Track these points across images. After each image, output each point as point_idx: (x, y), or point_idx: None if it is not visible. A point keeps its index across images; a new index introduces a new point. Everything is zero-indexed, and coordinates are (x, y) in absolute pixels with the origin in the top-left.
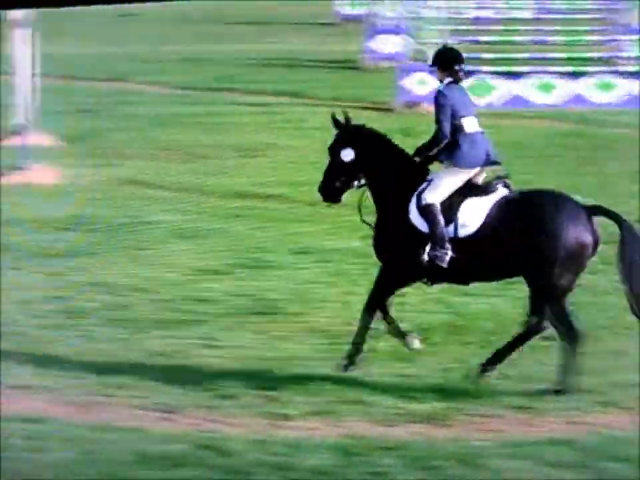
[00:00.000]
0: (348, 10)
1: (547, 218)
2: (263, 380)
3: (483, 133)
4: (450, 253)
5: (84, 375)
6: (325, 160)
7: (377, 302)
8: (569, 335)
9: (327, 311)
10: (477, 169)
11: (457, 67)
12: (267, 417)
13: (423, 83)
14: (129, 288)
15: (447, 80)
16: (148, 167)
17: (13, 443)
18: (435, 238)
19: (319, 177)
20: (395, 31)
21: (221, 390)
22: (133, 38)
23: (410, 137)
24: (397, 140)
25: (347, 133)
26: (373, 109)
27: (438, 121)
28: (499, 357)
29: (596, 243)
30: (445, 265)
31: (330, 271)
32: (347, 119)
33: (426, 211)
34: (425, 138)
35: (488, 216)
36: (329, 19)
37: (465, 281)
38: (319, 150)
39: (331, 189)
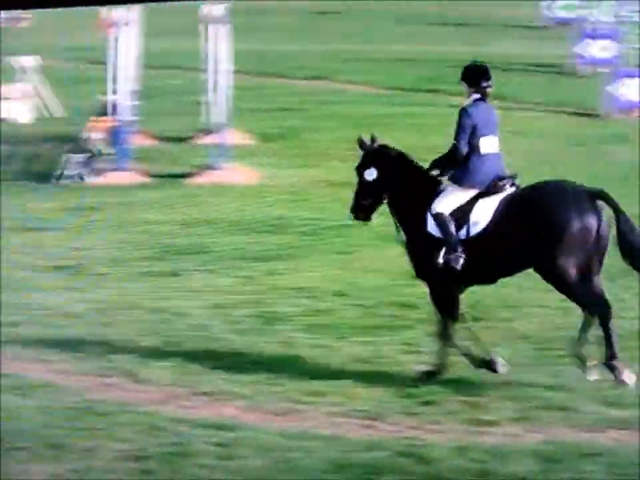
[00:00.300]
0: (561, 13)
1: (549, 207)
2: (466, 386)
3: (497, 154)
4: (462, 255)
5: (281, 381)
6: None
7: (442, 318)
8: (601, 312)
9: (534, 316)
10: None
11: (484, 84)
12: (469, 423)
13: (634, 88)
14: (331, 292)
15: (474, 96)
16: (346, 168)
17: (204, 449)
18: (447, 243)
19: (527, 179)
20: (606, 35)
21: (423, 396)
22: (333, 36)
23: (625, 144)
24: (611, 147)
25: (370, 153)
26: (579, 114)
27: (456, 139)
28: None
29: (601, 225)
30: (458, 267)
31: (537, 276)
32: (373, 140)
33: (437, 220)
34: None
35: (495, 212)
36: (541, 21)
37: (490, 279)
38: (518, 152)
39: (359, 208)
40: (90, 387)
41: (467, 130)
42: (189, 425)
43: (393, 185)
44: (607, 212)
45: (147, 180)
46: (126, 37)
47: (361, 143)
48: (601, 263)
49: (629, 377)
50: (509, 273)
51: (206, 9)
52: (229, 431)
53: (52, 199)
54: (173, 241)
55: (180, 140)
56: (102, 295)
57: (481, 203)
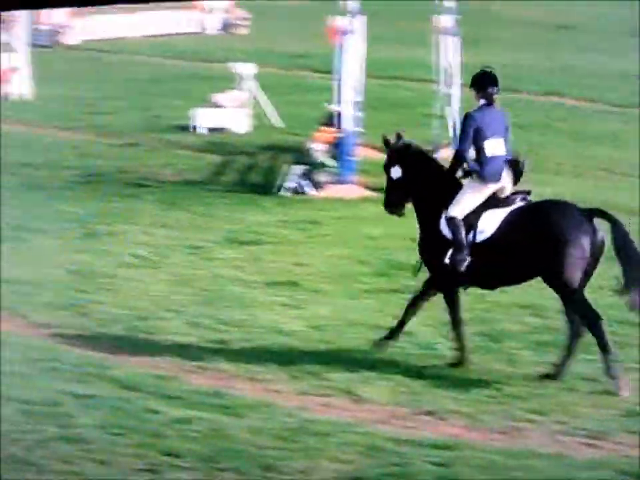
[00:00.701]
0: None
1: (552, 224)
2: None
3: (502, 156)
4: (468, 258)
5: (506, 400)
6: None
7: (419, 294)
8: (590, 320)
9: None
10: (498, 186)
11: (490, 90)
12: None
13: None
14: (557, 310)
15: (481, 102)
16: (580, 184)
17: (424, 469)
18: (455, 245)
19: None
20: None
21: None
22: (566, 50)
23: None
24: None
25: (395, 152)
26: None
27: (460, 144)
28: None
29: (597, 242)
30: (462, 269)
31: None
32: (399, 137)
33: (449, 223)
34: None
35: (502, 223)
36: None
37: (489, 284)
38: None
39: (391, 204)
40: (306, 407)
41: (469, 135)
42: (409, 445)
43: (415, 183)
44: (605, 228)
45: (369, 193)
46: (352, 45)
47: (386, 141)
48: (590, 275)
49: (628, 385)
50: (509, 281)
51: (437, 19)
52: (450, 450)
53: (269, 211)
54: (395, 256)
55: None
56: (320, 311)
57: (490, 212)
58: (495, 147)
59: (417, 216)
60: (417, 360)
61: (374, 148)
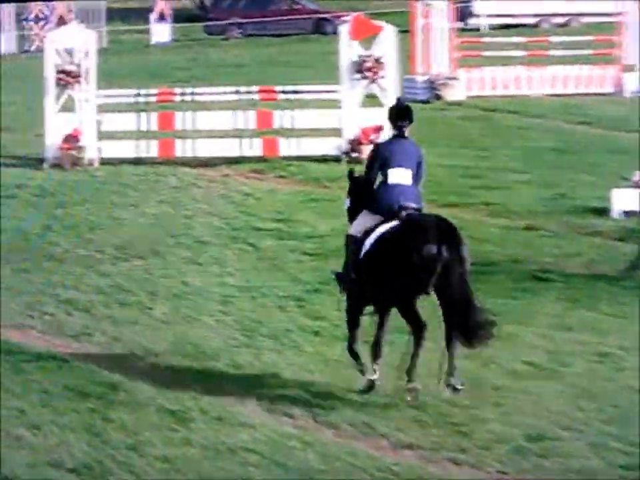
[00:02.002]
0: None
1: (397, 239)
2: None
3: (406, 185)
4: (352, 275)
5: None
6: None
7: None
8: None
9: None
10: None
11: (399, 123)
12: None
13: None
14: None
15: (393, 132)
16: None
17: None
18: (344, 263)
19: None
20: None
21: None
22: None
23: None
24: None
25: (349, 184)
26: None
27: (366, 172)
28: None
29: (441, 256)
30: (346, 287)
31: None
32: (351, 172)
33: (345, 240)
34: None
35: (375, 240)
36: None
37: (377, 304)
38: None
39: None
40: None
41: (375, 163)
42: None
43: (351, 211)
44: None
45: None
46: None
47: (349, 175)
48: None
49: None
50: (386, 300)
51: None
52: None
53: None
54: None
55: None
56: None
57: (378, 229)
58: (398, 176)
59: None
60: None
61: None
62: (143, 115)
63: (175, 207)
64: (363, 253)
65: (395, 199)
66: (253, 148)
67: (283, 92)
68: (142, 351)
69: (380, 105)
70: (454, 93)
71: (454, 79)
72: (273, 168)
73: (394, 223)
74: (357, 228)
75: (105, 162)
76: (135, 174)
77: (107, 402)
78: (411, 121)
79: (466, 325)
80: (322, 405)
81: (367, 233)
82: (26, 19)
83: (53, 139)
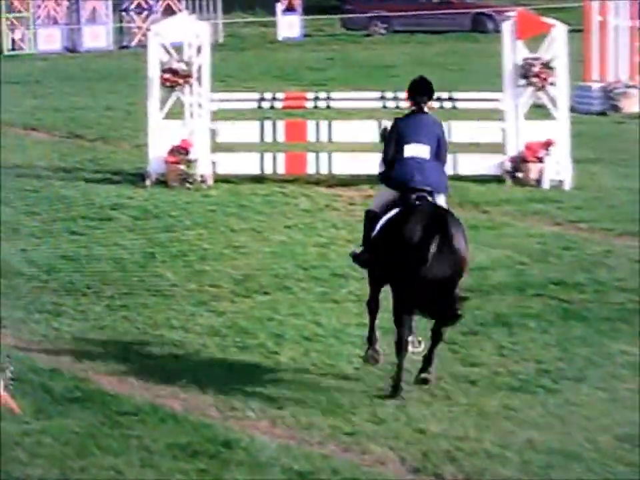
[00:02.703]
0: None
1: (393, 230)
2: None
3: (421, 160)
4: (367, 254)
5: None
6: None
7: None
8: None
9: None
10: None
11: (418, 98)
12: None
13: None
14: None
15: (412, 108)
16: None
17: None
18: (363, 239)
19: None
20: None
21: None
22: None
23: None
24: None
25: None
26: None
27: (384, 148)
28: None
29: (416, 243)
30: (361, 265)
31: None
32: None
33: (364, 216)
34: None
35: (380, 226)
36: None
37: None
38: None
39: None
40: None
41: (392, 141)
42: None
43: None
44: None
45: None
46: None
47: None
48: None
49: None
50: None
51: None
52: None
53: None
54: None
55: None
56: None
57: (387, 214)
58: (412, 150)
59: None
60: None
61: None
62: (268, 123)
63: (306, 234)
64: (372, 235)
65: (410, 173)
66: None
67: (438, 99)
68: (263, 402)
69: (549, 116)
70: (634, 104)
71: (635, 87)
72: None
73: (395, 210)
74: (375, 203)
75: (220, 179)
76: (257, 194)
77: (221, 461)
78: (430, 97)
79: (445, 311)
80: (475, 465)
81: (382, 212)
82: (126, 9)
83: (157, 150)
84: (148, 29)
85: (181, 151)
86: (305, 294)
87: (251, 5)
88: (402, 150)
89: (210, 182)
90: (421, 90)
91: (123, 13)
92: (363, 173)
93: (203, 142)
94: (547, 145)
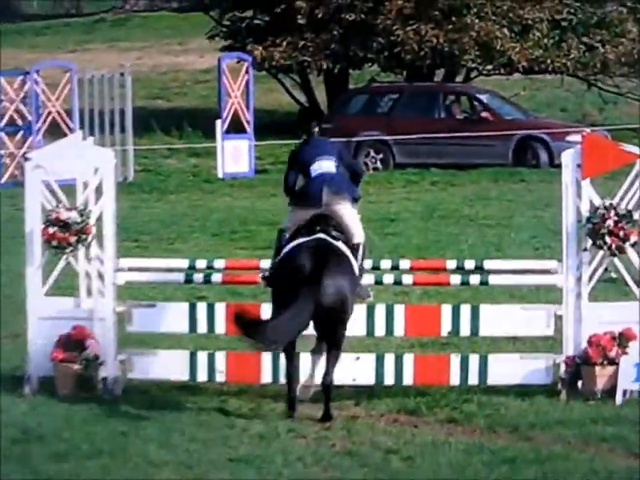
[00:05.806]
0: None
1: (284, 264)
2: None
3: (329, 172)
4: (268, 272)
5: None
6: None
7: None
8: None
9: None
10: (318, 210)
11: (308, 127)
12: None
13: None
14: None
15: (303, 138)
16: None
17: None
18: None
19: None
20: None
21: None
22: None
23: None
24: None
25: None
26: None
27: (284, 176)
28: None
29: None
30: (268, 283)
31: None
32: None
33: (277, 234)
34: None
35: (282, 255)
36: None
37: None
38: None
39: None
40: None
41: (293, 165)
42: None
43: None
44: None
45: None
46: None
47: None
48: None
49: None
50: None
51: None
52: None
53: None
54: None
55: None
56: None
57: (290, 243)
58: (319, 167)
59: None
60: None
61: None
62: (201, 306)
63: None
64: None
65: (318, 187)
66: None
67: (458, 269)
68: None
69: (626, 295)
70: None
71: None
72: None
73: (293, 244)
74: (286, 224)
75: (132, 386)
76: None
77: None
78: (319, 122)
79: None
80: None
81: (291, 236)
82: None
83: (39, 343)
84: (25, 158)
85: (74, 344)
86: None
87: (177, 124)
88: (308, 172)
89: (118, 390)
90: (308, 121)
91: None
92: None
93: (107, 331)
94: (623, 338)
